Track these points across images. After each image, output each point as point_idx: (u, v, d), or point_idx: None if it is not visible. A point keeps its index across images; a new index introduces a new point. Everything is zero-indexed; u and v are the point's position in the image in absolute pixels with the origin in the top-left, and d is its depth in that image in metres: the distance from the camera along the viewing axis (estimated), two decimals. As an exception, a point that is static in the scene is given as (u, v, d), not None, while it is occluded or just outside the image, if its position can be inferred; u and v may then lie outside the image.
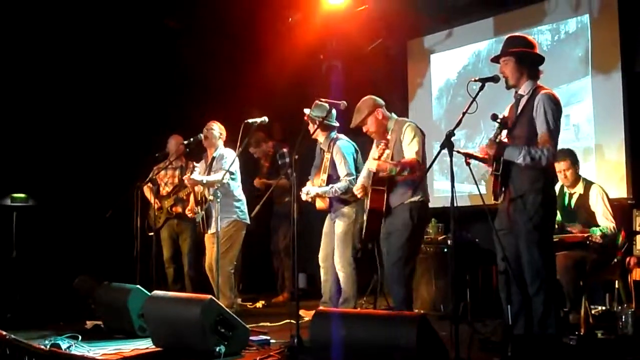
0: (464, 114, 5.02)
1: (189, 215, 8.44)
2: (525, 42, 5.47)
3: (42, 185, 9.44)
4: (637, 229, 6.99)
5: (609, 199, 6.84)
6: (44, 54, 9.55)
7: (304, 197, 7.17)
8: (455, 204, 4.89)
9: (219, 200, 7.14)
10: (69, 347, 5.89)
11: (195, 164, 7.89)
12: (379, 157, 6.27)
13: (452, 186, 4.84)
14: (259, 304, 9.28)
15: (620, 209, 7.07)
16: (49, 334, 6.44)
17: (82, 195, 9.80)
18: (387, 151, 6.32)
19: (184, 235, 9.06)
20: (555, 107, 5.21)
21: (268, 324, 7.29)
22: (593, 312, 6.72)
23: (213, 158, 8.17)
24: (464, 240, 7.97)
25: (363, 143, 7.29)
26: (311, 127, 7.24)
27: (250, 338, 5.95)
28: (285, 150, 9.72)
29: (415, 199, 6.20)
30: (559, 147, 5.45)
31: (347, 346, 4.80)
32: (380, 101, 6.58)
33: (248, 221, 8.07)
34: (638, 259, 6.79)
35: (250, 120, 7.05)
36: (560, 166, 6.67)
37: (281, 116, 9.66)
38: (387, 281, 6.41)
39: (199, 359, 5.54)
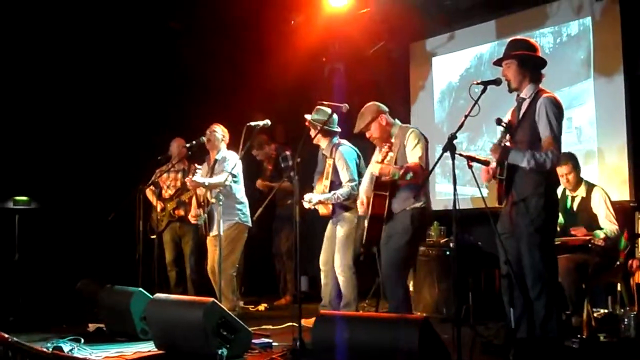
0: (466, 117, 5.03)
1: (192, 221, 8.43)
2: (527, 45, 5.47)
3: (44, 188, 9.44)
4: (640, 231, 6.99)
5: (611, 202, 6.84)
6: (46, 58, 9.56)
7: (306, 205, 7.15)
8: (457, 207, 4.89)
9: (221, 203, 7.15)
10: (71, 350, 5.90)
11: (197, 165, 7.88)
12: (382, 161, 6.26)
13: (455, 189, 4.84)
14: (261, 307, 9.28)
15: (622, 212, 7.07)
16: (51, 337, 6.43)
17: (84, 198, 9.81)
18: (391, 154, 6.32)
19: (186, 238, 9.06)
20: (557, 110, 5.21)
21: (270, 326, 7.29)
22: (595, 315, 6.70)
23: (215, 160, 8.16)
24: (466, 243, 7.98)
25: (365, 148, 7.27)
26: (312, 132, 7.23)
27: (253, 341, 5.95)
28: (288, 153, 9.72)
29: (417, 205, 6.18)
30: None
31: (350, 349, 4.80)
32: (384, 107, 6.56)
33: (250, 224, 8.07)
34: (640, 262, 6.79)
35: (252, 123, 7.06)
36: (562, 170, 6.67)
37: (284, 119, 9.68)
38: (385, 284, 6.40)
39: (201, 362, 5.55)
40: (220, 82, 10.30)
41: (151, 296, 6.40)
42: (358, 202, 6.66)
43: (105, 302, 7.13)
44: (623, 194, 7.77)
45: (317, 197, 7.20)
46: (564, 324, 5.88)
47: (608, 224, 6.65)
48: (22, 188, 9.25)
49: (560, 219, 6.63)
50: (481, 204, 5.41)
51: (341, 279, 7.16)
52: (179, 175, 9.08)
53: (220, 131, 8.18)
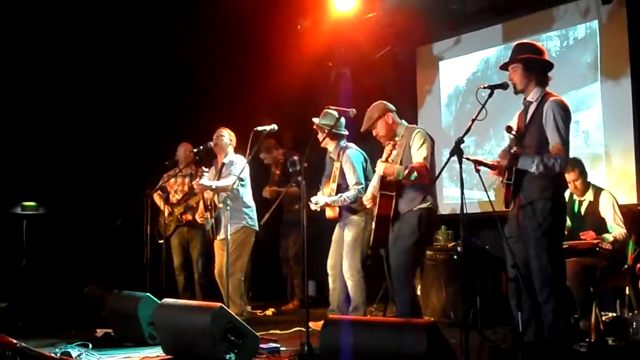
0: (473, 121, 5.02)
1: (199, 221, 8.43)
2: (533, 49, 5.46)
3: (52, 194, 9.48)
4: (648, 235, 6.97)
5: (618, 205, 6.83)
6: (54, 65, 9.61)
7: (313, 207, 7.15)
8: (465, 211, 4.89)
9: (228, 207, 7.15)
10: (79, 355, 5.91)
11: (204, 169, 7.88)
12: (386, 159, 6.28)
13: (462, 193, 4.84)
14: (269, 312, 9.27)
15: (630, 215, 7.05)
16: (59, 342, 6.44)
17: (92, 203, 9.84)
18: (395, 152, 6.33)
19: (194, 242, 9.07)
20: (565, 114, 5.20)
21: (278, 331, 7.28)
22: (603, 318, 6.69)
23: (223, 164, 8.16)
24: (474, 247, 7.96)
25: (373, 149, 7.27)
26: (320, 136, 7.24)
27: (260, 346, 5.94)
28: (296, 158, 9.72)
29: (424, 205, 6.18)
30: (567, 155, 5.44)
31: (357, 354, 4.79)
32: (391, 106, 6.58)
33: (257, 228, 8.07)
34: (648, 265, 6.77)
35: (259, 128, 7.06)
36: (569, 177, 6.66)
37: (290, 124, 9.68)
38: (393, 286, 6.40)
39: (209, 367, 5.55)
40: (226, 87, 10.31)
41: (159, 301, 6.41)
42: (366, 199, 6.65)
43: (112, 307, 7.15)
44: (630, 197, 7.75)
45: (323, 199, 7.21)
46: (572, 327, 5.85)
47: (616, 228, 6.64)
48: (30, 194, 9.29)
49: (568, 223, 6.62)
50: (488, 208, 5.40)
51: (350, 283, 7.15)
52: (187, 180, 9.08)
53: (227, 135, 8.18)
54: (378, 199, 6.35)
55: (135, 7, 9.51)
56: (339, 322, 5.24)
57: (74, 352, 5.92)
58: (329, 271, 7.42)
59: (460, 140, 4.88)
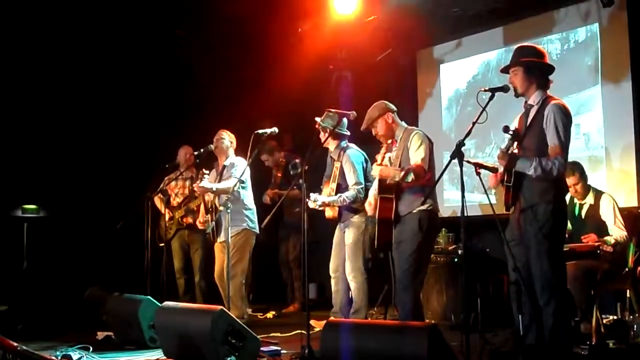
0: (474, 123, 5.02)
1: (200, 227, 8.44)
2: (534, 52, 5.46)
3: (53, 197, 9.48)
4: (648, 238, 6.97)
5: (619, 208, 6.82)
6: (54, 67, 9.61)
7: (311, 204, 7.10)
8: (465, 214, 4.89)
9: (229, 210, 7.16)
10: (80, 358, 5.92)
11: (205, 171, 7.87)
12: (381, 162, 6.30)
13: (463, 196, 4.85)
14: (270, 315, 9.28)
15: (630, 218, 7.06)
16: (60, 345, 6.46)
17: (93, 206, 9.85)
18: (388, 154, 6.34)
19: (195, 245, 9.06)
20: (565, 117, 5.20)
21: (278, 334, 7.28)
22: (604, 321, 6.69)
23: (224, 166, 8.18)
24: (475, 250, 7.96)
25: (373, 150, 7.25)
26: (322, 136, 7.25)
27: (261, 349, 5.94)
28: (297, 160, 9.72)
29: (424, 207, 6.17)
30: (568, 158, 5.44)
31: (358, 357, 4.79)
32: (392, 106, 6.60)
33: (257, 230, 8.08)
34: (649, 268, 6.77)
35: (260, 131, 7.08)
36: (569, 181, 6.65)
37: (291, 126, 9.69)
38: (397, 290, 6.40)
39: (209, 370, 5.55)
40: (227, 89, 10.32)
41: (159, 304, 6.41)
42: (367, 204, 6.68)
43: (113, 310, 7.15)
44: (631, 200, 7.75)
45: (322, 198, 7.19)
46: (573, 330, 5.86)
47: (617, 231, 6.64)
48: (31, 196, 9.28)
49: (569, 226, 6.61)
50: (489, 211, 5.40)
51: (353, 285, 7.15)
52: (187, 183, 9.09)
53: (227, 137, 8.20)
54: (378, 202, 6.36)
55: (135, 9, 9.50)
56: (339, 325, 5.24)
57: (75, 355, 5.92)
58: (332, 274, 7.41)
59: (461, 143, 4.89)
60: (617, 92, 8.00)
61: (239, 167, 7.95)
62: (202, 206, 8.37)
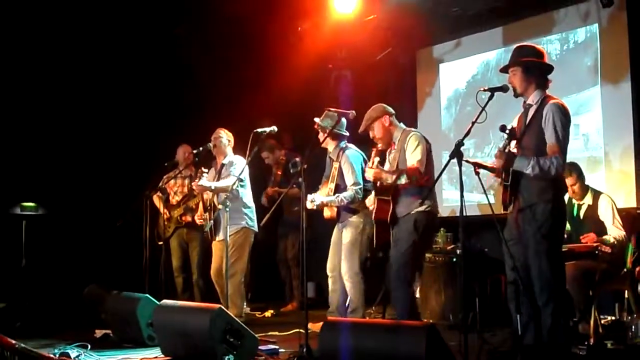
0: (473, 123, 5.02)
1: (198, 222, 8.45)
2: (533, 52, 5.46)
3: (51, 194, 9.48)
4: (647, 238, 6.96)
5: (617, 209, 6.82)
6: (53, 65, 9.61)
7: (309, 205, 7.08)
8: (464, 214, 4.89)
9: (227, 208, 7.15)
10: (78, 356, 5.91)
11: (203, 169, 7.87)
12: (372, 165, 6.33)
13: (461, 195, 4.84)
14: (268, 313, 9.27)
15: (629, 218, 7.05)
16: (58, 343, 6.44)
17: (91, 204, 9.85)
18: (377, 158, 6.36)
19: (194, 244, 9.06)
20: (564, 117, 5.19)
21: (277, 333, 7.28)
22: (603, 322, 6.68)
23: (222, 165, 8.18)
24: (473, 249, 7.96)
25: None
26: (321, 136, 7.24)
27: (259, 347, 5.94)
28: (297, 159, 9.70)
29: (422, 208, 6.19)
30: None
31: (356, 356, 4.79)
32: (390, 109, 6.61)
33: (256, 229, 8.08)
34: (648, 269, 6.77)
35: (259, 130, 7.08)
36: (567, 181, 6.62)
37: (290, 125, 9.68)
38: (391, 287, 6.40)
39: (207, 368, 5.55)
40: (227, 88, 10.31)
41: (158, 302, 6.41)
42: (368, 203, 6.69)
43: (112, 308, 7.15)
44: (630, 201, 7.75)
45: (320, 198, 7.18)
46: (571, 330, 5.86)
47: (615, 231, 6.64)
48: (30, 194, 9.28)
49: (567, 227, 6.61)
50: (488, 211, 5.39)
51: (348, 285, 7.13)
52: (186, 182, 9.08)
53: (225, 136, 8.20)
54: (376, 204, 6.38)
55: (135, 8, 9.50)
56: (338, 324, 5.24)
57: (73, 353, 5.91)
58: (329, 273, 7.40)
59: (460, 143, 4.89)
60: (617, 92, 8.00)
61: (237, 166, 7.96)
62: (200, 204, 8.37)
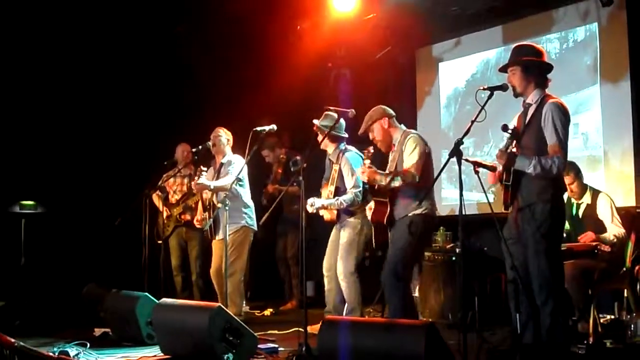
0: (472, 122, 5.02)
1: (197, 225, 8.45)
2: (532, 51, 5.45)
3: (51, 193, 9.49)
4: (646, 237, 6.96)
5: (616, 208, 6.82)
6: (53, 63, 9.62)
7: (309, 209, 7.10)
8: (463, 212, 4.89)
9: (227, 208, 7.15)
10: (77, 355, 5.91)
11: (203, 168, 7.87)
12: (365, 167, 6.34)
13: (461, 194, 4.84)
14: (267, 312, 9.26)
15: (628, 218, 7.05)
16: (57, 341, 6.46)
17: (91, 203, 9.85)
18: (367, 161, 6.36)
19: (193, 242, 9.07)
20: (563, 116, 5.19)
21: (276, 331, 7.28)
22: (602, 321, 6.69)
23: (221, 164, 8.18)
24: (473, 248, 7.95)
25: (374, 154, 7.25)
26: (320, 138, 7.23)
27: (258, 346, 5.94)
28: (298, 157, 9.69)
29: (419, 211, 6.17)
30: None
31: (355, 354, 4.80)
32: (390, 111, 6.59)
33: (256, 228, 8.09)
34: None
35: (258, 128, 7.07)
36: (565, 180, 6.64)
37: (289, 124, 9.67)
38: (384, 286, 6.38)
39: (207, 367, 5.55)
40: (226, 87, 10.31)
41: (157, 301, 6.41)
42: (368, 207, 6.69)
43: (111, 307, 7.15)
44: (629, 199, 7.75)
45: (319, 202, 7.17)
46: (570, 329, 5.86)
47: (615, 228, 6.64)
48: (29, 192, 9.29)
49: (566, 226, 6.62)
50: (487, 210, 5.39)
51: (343, 285, 7.11)
52: (186, 180, 9.09)
53: (224, 135, 8.20)
54: (373, 206, 6.39)
55: (135, 7, 9.50)
56: (337, 323, 5.24)
57: (72, 352, 5.91)
58: (325, 272, 7.39)
59: (459, 142, 4.88)
60: (616, 91, 8.00)
61: (236, 165, 7.96)
62: (199, 203, 8.37)
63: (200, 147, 8.02)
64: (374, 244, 6.56)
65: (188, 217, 8.91)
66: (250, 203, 8.15)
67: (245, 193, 8.11)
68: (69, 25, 9.44)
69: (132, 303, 6.69)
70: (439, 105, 9.99)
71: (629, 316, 6.40)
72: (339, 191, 7.21)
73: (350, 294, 7.08)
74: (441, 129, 9.85)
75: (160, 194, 9.15)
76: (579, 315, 6.39)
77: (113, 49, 9.88)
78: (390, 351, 4.61)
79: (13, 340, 4.96)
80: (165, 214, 9.11)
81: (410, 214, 6.19)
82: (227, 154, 8.19)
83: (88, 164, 9.97)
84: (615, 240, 6.56)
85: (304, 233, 5.85)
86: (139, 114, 10.23)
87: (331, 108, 7.19)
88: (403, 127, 6.62)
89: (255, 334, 5.89)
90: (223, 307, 5.72)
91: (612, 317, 7.01)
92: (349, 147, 7.42)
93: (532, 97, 5.36)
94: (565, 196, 6.63)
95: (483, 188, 5.26)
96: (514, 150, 5.32)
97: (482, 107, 5.04)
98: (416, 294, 7.87)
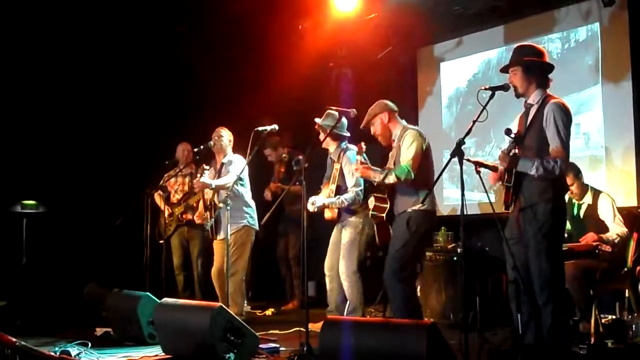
0: (474, 122, 5.02)
1: (197, 221, 8.45)
2: (533, 51, 5.45)
3: (52, 192, 9.49)
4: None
5: (618, 208, 6.82)
6: (54, 63, 9.62)
7: (310, 207, 7.08)
8: (465, 212, 4.89)
9: (228, 207, 7.15)
10: (78, 354, 5.91)
11: (205, 166, 7.87)
12: (358, 163, 6.34)
13: (462, 194, 4.84)
14: (269, 312, 9.26)
15: (630, 218, 7.05)
16: (58, 341, 6.46)
17: (92, 203, 9.85)
18: (360, 157, 6.38)
19: (194, 242, 9.07)
20: (565, 116, 5.19)
21: (277, 331, 7.27)
22: (603, 321, 6.69)
23: (222, 164, 8.18)
24: (474, 248, 7.96)
25: (374, 151, 7.24)
26: (322, 136, 7.23)
27: (260, 346, 5.94)
28: (301, 157, 9.68)
29: (417, 207, 6.16)
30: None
31: (357, 354, 4.79)
32: (392, 106, 6.58)
33: (257, 227, 8.08)
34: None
35: (260, 128, 7.07)
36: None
37: (291, 124, 9.67)
38: (385, 286, 6.38)
39: (208, 367, 5.55)
40: (227, 87, 10.31)
41: (158, 300, 6.41)
42: (370, 202, 6.68)
43: (112, 306, 7.14)
44: (631, 200, 7.75)
45: (321, 200, 7.17)
46: (572, 330, 5.86)
47: (617, 228, 6.64)
48: (30, 192, 9.29)
49: (568, 226, 6.62)
50: (489, 210, 5.40)
51: (345, 285, 7.11)
52: (187, 180, 9.09)
53: (226, 135, 8.20)
54: (374, 202, 6.38)
55: (135, 7, 9.50)
56: (338, 323, 5.24)
57: (74, 351, 5.91)
58: (327, 272, 7.39)
59: (461, 142, 4.88)
60: (618, 91, 8.00)
61: (236, 164, 7.96)
62: (201, 203, 8.37)
63: (201, 146, 8.02)
64: (377, 242, 6.54)
65: (190, 216, 8.90)
66: (252, 203, 8.15)
67: (247, 193, 8.11)
68: (69, 26, 9.43)
69: (134, 303, 6.69)
70: (440, 105, 9.98)
71: (630, 316, 6.40)
72: (340, 190, 7.21)
73: (352, 293, 7.08)
74: (443, 129, 9.85)
75: (162, 193, 9.15)
76: (580, 315, 6.40)
77: (113, 49, 9.88)
78: (392, 351, 4.61)
79: (14, 339, 4.96)
80: (168, 212, 9.11)
81: (409, 210, 6.19)
82: (228, 154, 8.19)
83: (89, 164, 9.97)
84: (618, 239, 6.56)
85: (305, 233, 5.85)
86: (139, 114, 10.23)
87: (333, 108, 7.20)
88: (404, 122, 6.61)
89: (257, 333, 5.89)
90: (224, 306, 5.72)
91: (614, 317, 7.01)
92: (351, 145, 7.42)
93: (534, 98, 5.36)
94: (566, 197, 6.64)
95: (484, 188, 5.26)
96: (515, 152, 5.32)
97: (484, 107, 5.04)
98: (417, 294, 7.87)
